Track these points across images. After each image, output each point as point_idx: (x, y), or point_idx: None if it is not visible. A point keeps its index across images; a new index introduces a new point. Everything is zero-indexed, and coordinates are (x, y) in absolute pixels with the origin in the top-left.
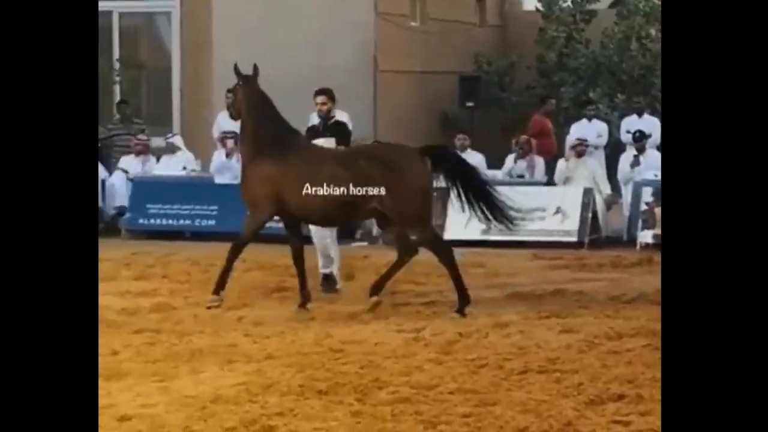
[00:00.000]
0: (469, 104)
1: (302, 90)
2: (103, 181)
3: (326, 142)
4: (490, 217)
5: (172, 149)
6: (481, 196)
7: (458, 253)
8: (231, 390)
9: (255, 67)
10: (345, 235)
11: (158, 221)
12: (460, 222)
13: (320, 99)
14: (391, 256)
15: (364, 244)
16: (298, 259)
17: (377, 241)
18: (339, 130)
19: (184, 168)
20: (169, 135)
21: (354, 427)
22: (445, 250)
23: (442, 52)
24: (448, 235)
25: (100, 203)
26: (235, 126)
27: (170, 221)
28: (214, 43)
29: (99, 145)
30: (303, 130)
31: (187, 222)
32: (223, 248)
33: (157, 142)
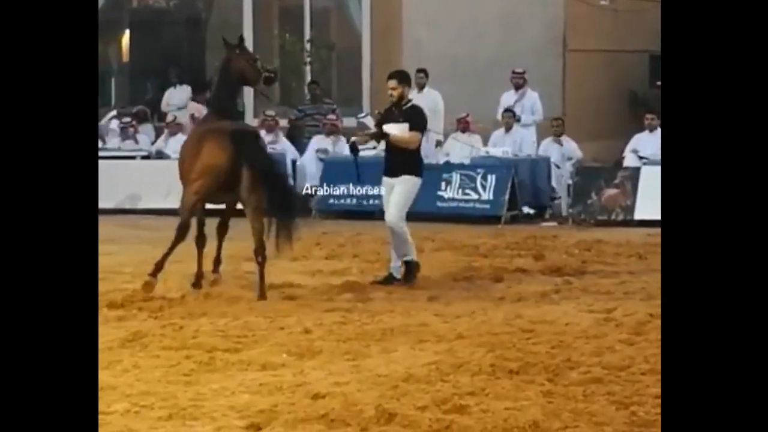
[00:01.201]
0: (660, 83)
1: (492, 69)
2: (294, 162)
3: (397, 128)
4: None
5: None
6: (276, 201)
7: (646, 233)
8: (422, 369)
9: (240, 39)
10: (535, 216)
11: (348, 201)
12: (650, 203)
13: (391, 83)
14: (581, 235)
15: (554, 224)
16: (198, 238)
17: (567, 221)
18: (412, 115)
19: (374, 148)
20: (361, 115)
21: (546, 407)
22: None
23: (631, 31)
24: (638, 215)
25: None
26: (421, 104)
27: (361, 201)
28: (403, 24)
29: (289, 125)
30: (493, 109)
31: (377, 202)
32: (413, 228)
33: (348, 122)
